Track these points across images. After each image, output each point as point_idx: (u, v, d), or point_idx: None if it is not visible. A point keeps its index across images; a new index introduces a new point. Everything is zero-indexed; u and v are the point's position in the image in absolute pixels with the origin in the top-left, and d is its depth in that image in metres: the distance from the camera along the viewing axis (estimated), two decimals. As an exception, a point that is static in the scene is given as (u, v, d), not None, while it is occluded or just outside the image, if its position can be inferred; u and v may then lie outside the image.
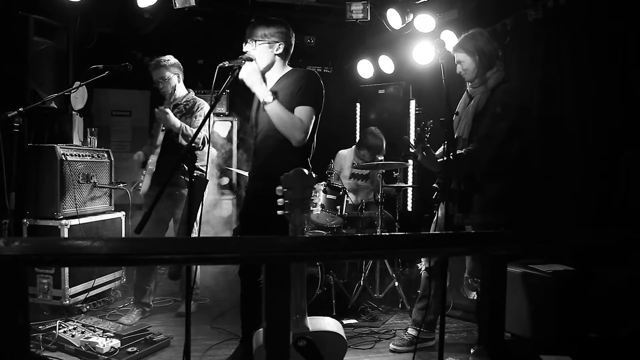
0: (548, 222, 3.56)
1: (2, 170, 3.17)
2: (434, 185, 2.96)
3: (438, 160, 2.83)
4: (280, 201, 1.95)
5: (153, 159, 3.52)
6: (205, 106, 3.70)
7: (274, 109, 2.51)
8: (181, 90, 3.75)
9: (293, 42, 2.74)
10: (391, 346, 3.17)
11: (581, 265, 2.95)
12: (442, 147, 2.86)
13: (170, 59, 3.70)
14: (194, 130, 3.50)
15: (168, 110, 3.42)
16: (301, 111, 2.54)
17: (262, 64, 2.61)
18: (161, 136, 3.57)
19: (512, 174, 2.84)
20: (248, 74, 2.51)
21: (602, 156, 3.21)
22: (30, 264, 1.14)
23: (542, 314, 2.88)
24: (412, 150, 2.82)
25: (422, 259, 3.20)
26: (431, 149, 2.77)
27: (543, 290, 2.89)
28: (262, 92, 2.52)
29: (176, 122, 3.45)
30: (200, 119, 3.61)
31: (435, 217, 3.00)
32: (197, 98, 3.77)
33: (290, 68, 2.74)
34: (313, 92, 2.61)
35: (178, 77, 3.71)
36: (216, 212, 5.81)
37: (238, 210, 5.70)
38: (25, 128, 3.85)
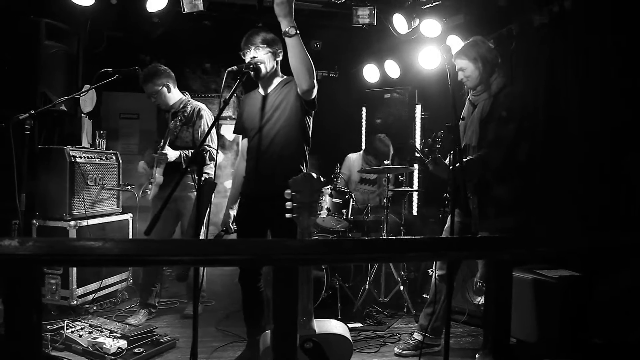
0: (552, 226, 3.56)
1: (12, 171, 3.21)
2: (445, 194, 2.97)
3: (449, 168, 2.85)
4: (288, 204, 1.98)
5: (159, 172, 3.55)
6: (205, 112, 3.72)
7: (297, 43, 2.44)
8: (175, 96, 3.74)
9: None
10: (396, 350, 3.18)
11: (587, 270, 2.96)
12: (449, 155, 2.88)
13: (157, 69, 3.66)
14: (198, 140, 3.63)
15: (165, 151, 3.47)
16: None
17: (268, 68, 2.68)
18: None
19: (522, 176, 2.86)
20: (282, 2, 2.37)
21: (606, 159, 3.22)
22: (43, 263, 1.17)
23: (547, 319, 2.88)
24: (424, 159, 2.85)
25: (434, 266, 3.21)
26: (442, 159, 2.80)
27: (548, 295, 2.89)
28: (289, 22, 2.40)
29: (175, 154, 3.52)
30: (203, 128, 3.65)
31: (447, 225, 3.01)
32: (193, 101, 3.78)
33: (285, 76, 2.81)
34: None
35: (167, 87, 3.67)
36: (221, 214, 5.84)
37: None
38: (36, 130, 3.90)
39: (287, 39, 2.44)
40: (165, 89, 3.66)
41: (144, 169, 3.69)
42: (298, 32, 2.43)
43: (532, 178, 3.46)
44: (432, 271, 3.24)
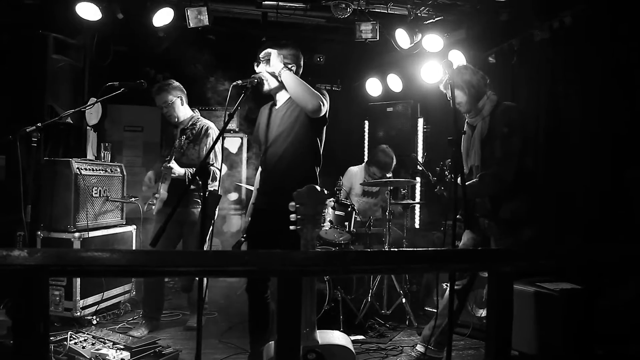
0: (553, 239, 3.58)
1: (18, 183, 3.24)
2: (458, 216, 3.01)
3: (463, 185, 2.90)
4: (292, 217, 2.00)
5: (164, 189, 3.58)
6: (212, 131, 3.75)
7: (289, 76, 2.60)
8: (185, 112, 3.80)
9: (302, 64, 2.85)
10: (399, 363, 3.18)
11: (589, 283, 2.96)
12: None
13: (172, 82, 3.76)
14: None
15: (171, 165, 3.49)
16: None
17: (273, 84, 2.71)
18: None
19: (530, 188, 2.91)
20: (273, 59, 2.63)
21: (608, 173, 3.24)
22: (52, 274, 1.19)
23: (549, 332, 2.88)
24: (426, 173, 2.93)
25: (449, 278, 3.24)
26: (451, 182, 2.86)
27: (550, 308, 2.89)
28: (277, 68, 2.62)
29: (181, 171, 3.54)
30: (208, 147, 3.68)
31: (462, 242, 3.04)
32: (202, 119, 3.83)
33: None
34: (321, 92, 2.72)
35: (181, 99, 3.75)
36: (225, 227, 5.88)
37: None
38: (42, 142, 3.94)
39: (281, 76, 2.62)
40: (179, 101, 3.74)
41: (149, 180, 3.72)
42: (285, 68, 2.61)
43: (539, 188, 3.49)
44: (446, 285, 3.25)
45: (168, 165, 3.48)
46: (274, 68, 2.63)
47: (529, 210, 2.88)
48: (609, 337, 2.72)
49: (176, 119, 3.75)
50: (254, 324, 2.85)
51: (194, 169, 3.60)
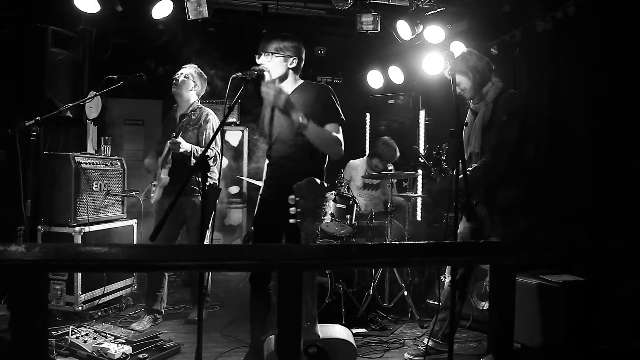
0: (556, 231, 3.56)
1: (18, 177, 3.23)
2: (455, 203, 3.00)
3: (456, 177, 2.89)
4: (292, 210, 1.99)
5: (165, 173, 3.57)
6: (212, 117, 3.77)
7: (313, 130, 2.53)
8: (191, 98, 3.81)
9: (304, 57, 2.82)
10: (406, 356, 3.17)
11: (591, 275, 2.95)
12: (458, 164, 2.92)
13: (202, 71, 3.84)
14: (205, 143, 3.63)
15: (178, 140, 3.46)
16: (333, 128, 2.65)
17: (275, 76, 2.68)
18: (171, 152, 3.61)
19: (529, 177, 2.90)
20: (281, 100, 2.49)
21: (610, 166, 3.21)
22: (49, 269, 1.18)
23: (551, 325, 2.87)
24: (428, 166, 2.92)
25: (446, 271, 3.22)
26: (448, 169, 2.84)
27: (552, 300, 2.88)
28: (297, 116, 2.49)
29: (187, 147, 3.51)
30: (209, 132, 3.69)
31: (459, 230, 3.03)
32: (203, 107, 3.85)
33: (302, 81, 2.81)
34: (335, 108, 2.71)
35: (195, 84, 3.77)
36: (225, 220, 5.87)
37: (249, 218, 5.76)
38: (41, 136, 3.93)
39: (304, 131, 2.51)
40: (192, 84, 3.75)
41: (150, 164, 3.71)
42: (307, 120, 2.49)
43: (539, 180, 3.47)
44: (444, 277, 3.24)
45: (176, 140, 3.45)
46: (294, 115, 2.47)
47: (526, 200, 2.87)
48: (613, 331, 2.71)
49: (180, 98, 3.75)
50: (254, 315, 2.85)
51: (200, 148, 3.57)
